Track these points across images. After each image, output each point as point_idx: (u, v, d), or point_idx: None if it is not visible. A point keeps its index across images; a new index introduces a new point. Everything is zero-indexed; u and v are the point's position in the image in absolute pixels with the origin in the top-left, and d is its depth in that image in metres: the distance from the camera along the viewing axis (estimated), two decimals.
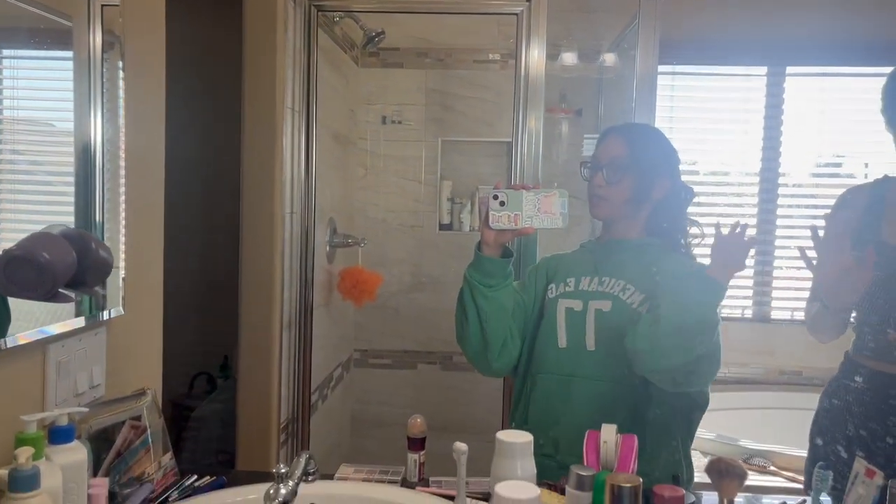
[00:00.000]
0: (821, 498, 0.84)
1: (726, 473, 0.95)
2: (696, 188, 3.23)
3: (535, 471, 0.86)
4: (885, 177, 1.51)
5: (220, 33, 2.27)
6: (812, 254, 1.39)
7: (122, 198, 1.28)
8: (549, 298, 1.54)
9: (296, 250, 2.21)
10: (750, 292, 3.23)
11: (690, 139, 3.23)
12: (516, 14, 2.17)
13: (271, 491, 0.88)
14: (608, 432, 1.17)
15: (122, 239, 1.28)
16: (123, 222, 1.27)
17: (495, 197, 1.37)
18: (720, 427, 2.52)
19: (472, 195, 3.12)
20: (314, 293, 2.29)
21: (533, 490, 0.65)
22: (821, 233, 1.39)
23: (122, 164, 1.28)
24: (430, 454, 1.40)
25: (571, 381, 1.47)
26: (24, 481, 0.82)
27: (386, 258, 3.13)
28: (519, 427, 1.47)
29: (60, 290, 0.88)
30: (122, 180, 1.28)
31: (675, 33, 3.05)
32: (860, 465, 0.82)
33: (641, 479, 0.81)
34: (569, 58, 3.00)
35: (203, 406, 2.45)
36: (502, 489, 0.66)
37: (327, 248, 2.59)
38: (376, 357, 3.18)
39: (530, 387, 1.51)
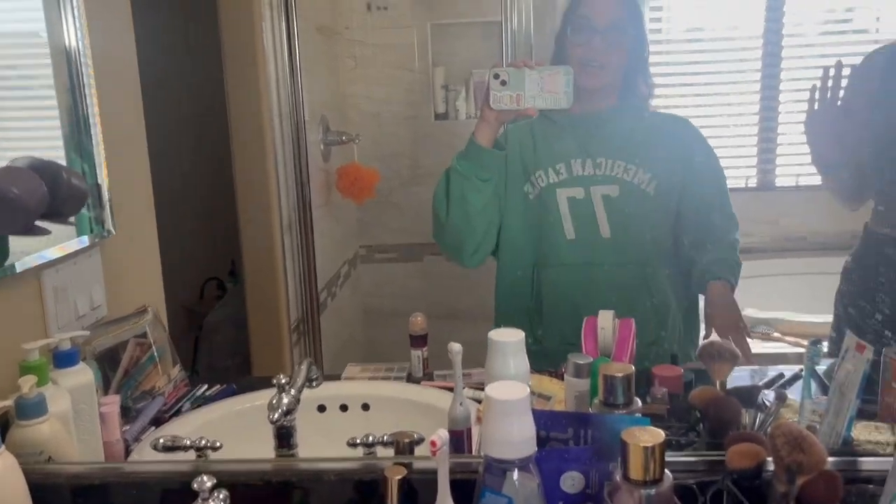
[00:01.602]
0: (813, 372, 0.86)
1: (718, 357, 0.96)
2: (697, 51, 3.15)
3: (528, 367, 0.87)
4: None
5: None
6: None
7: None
8: (542, 188, 1.45)
9: (288, 151, 2.17)
10: (754, 160, 3.18)
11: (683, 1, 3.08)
12: None
13: (273, 401, 0.90)
14: (605, 318, 1.18)
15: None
16: (100, 137, 1.23)
17: (496, 76, 1.29)
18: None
19: (466, 81, 3.02)
20: (312, 193, 2.27)
21: (522, 390, 0.66)
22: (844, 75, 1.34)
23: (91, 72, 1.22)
24: (443, 344, 1.43)
25: (590, 269, 1.45)
26: (31, 408, 0.85)
27: (382, 153, 3.08)
28: (532, 321, 1.47)
29: (36, 223, 0.87)
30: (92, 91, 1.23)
31: None
32: (851, 340, 0.82)
33: (633, 368, 0.82)
34: None
35: (214, 312, 2.50)
36: (492, 391, 0.66)
37: (322, 147, 2.55)
38: (382, 252, 3.20)
39: (539, 280, 1.48)
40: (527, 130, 1.47)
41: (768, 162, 3.17)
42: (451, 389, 0.98)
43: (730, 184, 1.58)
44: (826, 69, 1.32)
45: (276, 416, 0.88)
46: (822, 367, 1.07)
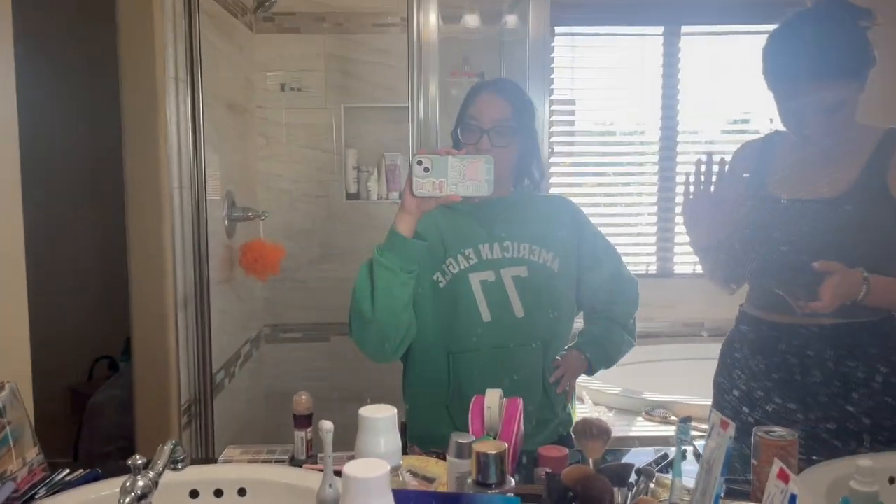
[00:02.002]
0: (682, 449, 0.87)
1: (590, 435, 0.96)
2: (604, 147, 3.31)
3: (400, 444, 0.85)
4: (775, 131, 1.55)
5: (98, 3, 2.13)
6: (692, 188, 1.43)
7: None
8: (453, 275, 1.47)
9: (188, 226, 2.12)
10: (653, 249, 3.32)
11: (592, 98, 3.26)
12: None
13: (127, 483, 0.84)
14: (492, 398, 1.17)
15: None
16: None
17: (419, 163, 1.29)
18: (626, 382, 2.61)
19: (378, 163, 3.06)
20: (211, 269, 2.21)
21: (382, 467, 0.64)
22: (715, 168, 1.42)
23: None
24: (346, 426, 1.38)
25: (504, 351, 1.47)
26: None
27: (292, 230, 3.07)
28: (456, 408, 1.45)
29: None
30: None
31: None
32: (716, 416, 0.84)
33: (506, 446, 0.80)
34: (471, 20, 2.97)
35: (99, 393, 2.36)
36: (350, 468, 0.64)
37: (226, 223, 2.51)
38: (287, 331, 3.13)
39: (455, 367, 1.47)
40: (431, 221, 1.46)
41: (667, 250, 3.32)
42: (337, 472, 0.94)
43: (631, 270, 1.65)
44: (699, 160, 1.41)
45: (128, 500, 0.82)
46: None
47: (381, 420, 0.83)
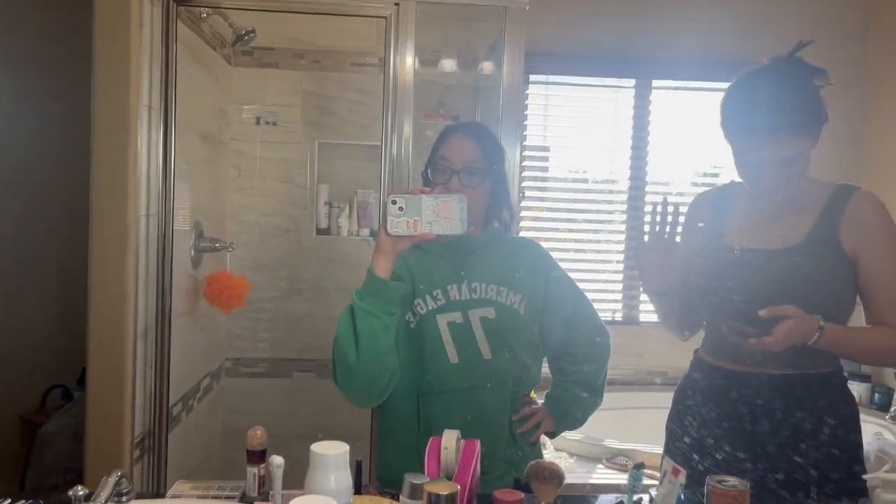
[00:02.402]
0: (633, 497, 0.86)
1: (543, 478, 0.96)
2: (574, 194, 3.35)
3: (351, 482, 0.84)
4: (731, 182, 1.58)
5: (73, 27, 2.13)
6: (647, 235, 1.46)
7: None
8: (422, 315, 1.48)
9: (153, 254, 2.10)
10: (619, 296, 3.35)
11: (565, 145, 3.31)
12: (385, 18, 2.16)
13: None
14: (449, 439, 1.16)
15: None
16: None
17: (394, 202, 1.31)
18: (588, 428, 2.59)
19: (350, 199, 3.07)
20: (175, 300, 2.18)
21: (329, 502, 0.63)
22: (669, 213, 1.45)
23: None
24: (306, 464, 1.35)
25: (473, 391, 1.47)
26: None
27: (260, 263, 3.05)
28: (420, 450, 1.40)
29: None
30: None
31: (546, 45, 3.14)
32: (668, 463, 0.84)
33: (458, 487, 0.80)
34: (447, 64, 3.02)
35: (51, 422, 2.29)
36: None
37: (192, 253, 2.48)
38: (250, 366, 3.08)
39: (424, 408, 1.47)
40: (401, 261, 1.46)
41: (633, 297, 3.35)
42: None
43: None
44: (654, 205, 1.44)
45: None
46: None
47: (333, 457, 0.82)
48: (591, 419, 2.06)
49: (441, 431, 1.25)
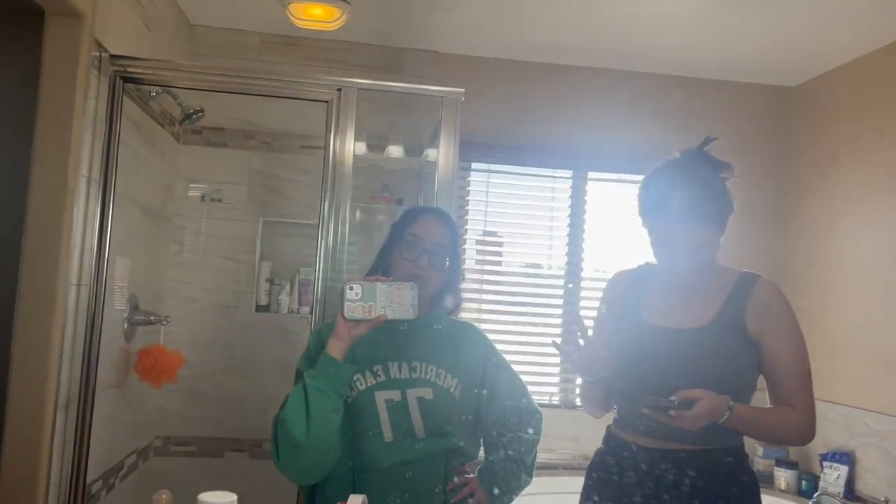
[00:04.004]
0: None
1: None
2: (512, 278, 3.42)
3: None
4: (647, 263, 1.67)
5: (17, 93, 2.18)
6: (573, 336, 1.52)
7: None
8: (360, 391, 1.50)
9: (81, 325, 2.08)
10: (556, 379, 3.40)
11: (506, 231, 3.42)
12: (327, 102, 2.26)
13: None
14: (354, 503, 1.17)
15: None
16: None
17: (350, 288, 1.40)
18: None
19: (292, 277, 3.10)
20: (103, 372, 2.16)
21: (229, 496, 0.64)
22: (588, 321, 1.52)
23: None
24: None
25: (406, 468, 1.48)
26: None
27: (197, 339, 3.02)
28: None
29: None
30: None
31: (486, 135, 3.30)
32: None
33: None
34: (394, 150, 3.14)
35: None
36: None
37: (125, 326, 2.47)
38: (180, 444, 3.01)
39: (360, 485, 1.47)
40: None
41: (569, 381, 3.39)
42: None
43: (535, 399, 1.70)
44: (573, 316, 1.51)
45: None
46: None
47: None
48: (525, 502, 2.06)
49: None
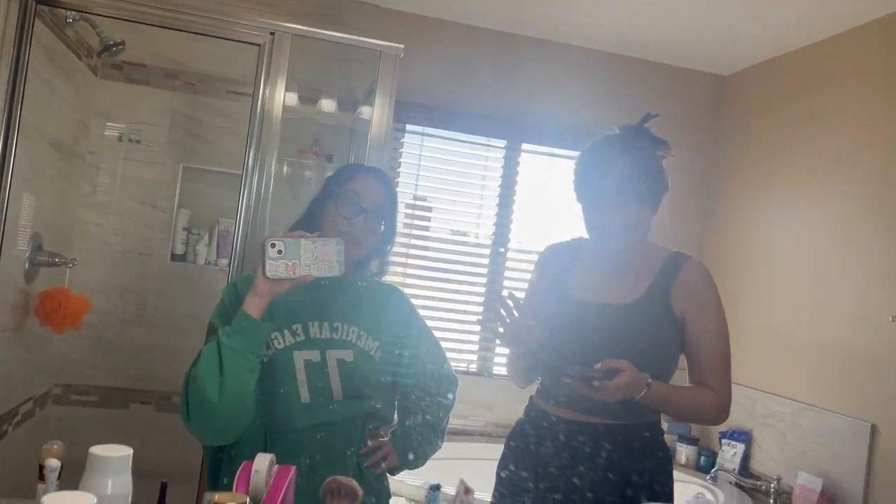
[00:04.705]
0: None
1: (337, 494, 0.95)
2: (439, 244, 3.41)
3: (131, 488, 0.80)
4: (580, 237, 1.67)
5: None
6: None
7: None
8: (277, 350, 1.44)
9: None
10: (475, 347, 3.42)
11: (434, 197, 3.39)
12: (259, 45, 2.16)
13: None
14: (261, 462, 1.13)
15: None
16: None
17: (273, 245, 1.31)
18: (432, 476, 2.59)
19: (211, 227, 2.99)
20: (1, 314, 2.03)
21: (87, 500, 0.59)
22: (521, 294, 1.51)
23: None
24: (136, 503, 1.26)
25: (322, 430, 1.44)
26: None
27: (106, 285, 2.88)
28: None
29: None
30: None
31: (423, 96, 3.24)
32: (461, 485, 0.86)
33: (247, 498, 0.78)
34: (327, 104, 3.04)
35: None
36: (49, 499, 0.59)
37: (26, 266, 2.32)
38: (82, 393, 2.88)
39: (272, 446, 1.41)
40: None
41: (488, 349, 3.42)
42: None
43: (453, 366, 1.69)
44: (502, 297, 1.49)
45: None
46: None
47: (113, 459, 0.78)
48: (437, 467, 2.07)
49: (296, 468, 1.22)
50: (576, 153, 1.62)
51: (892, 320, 2.39)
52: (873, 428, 2.46)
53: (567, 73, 3.41)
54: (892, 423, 2.41)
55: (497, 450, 3.19)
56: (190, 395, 1.32)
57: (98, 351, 2.87)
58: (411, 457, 1.57)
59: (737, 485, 2.90)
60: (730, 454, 2.99)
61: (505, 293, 1.51)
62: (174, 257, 2.95)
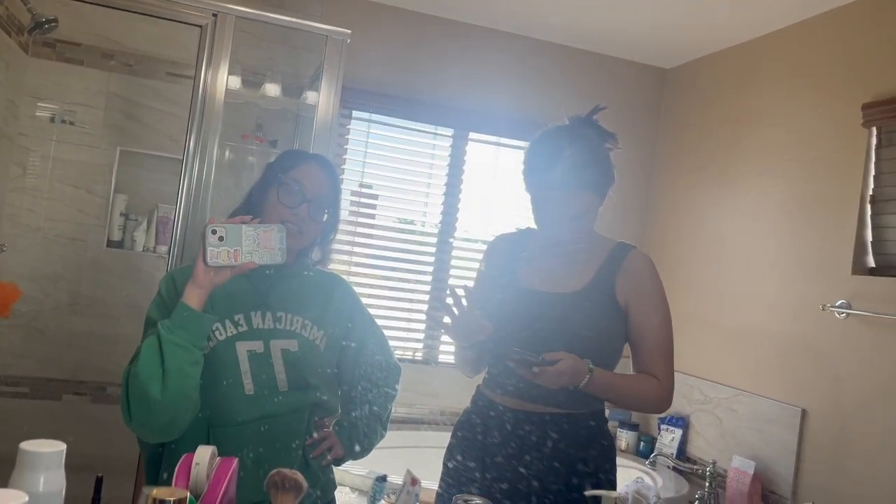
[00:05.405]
0: None
1: (281, 486, 0.94)
2: (385, 232, 3.39)
3: (65, 483, 0.77)
4: (528, 228, 1.67)
5: None
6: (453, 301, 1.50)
7: None
8: (219, 341, 1.40)
9: None
10: (421, 335, 3.42)
11: (380, 185, 3.37)
12: (201, 27, 2.10)
13: None
14: (202, 454, 1.10)
15: None
16: None
17: (213, 232, 1.27)
18: (377, 465, 2.58)
19: (149, 213, 2.90)
20: None
21: (18, 497, 0.57)
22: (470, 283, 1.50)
23: None
24: (76, 498, 1.21)
25: (264, 422, 1.40)
26: None
27: (38, 272, 2.77)
28: None
29: None
30: None
31: (370, 82, 3.21)
32: (408, 475, 0.86)
33: (188, 494, 0.75)
34: (271, 88, 2.98)
35: None
36: None
37: None
38: (11, 384, 2.76)
39: (215, 440, 1.37)
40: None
41: (434, 338, 3.42)
42: None
43: (398, 355, 1.68)
44: (450, 289, 1.49)
45: None
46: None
47: (45, 455, 0.75)
48: (381, 455, 2.07)
49: (241, 462, 1.19)
50: (522, 143, 1.63)
51: (823, 309, 2.49)
52: (804, 413, 2.56)
53: (514, 63, 3.42)
54: (822, 408, 2.51)
55: (443, 438, 3.20)
56: (131, 394, 1.27)
57: (29, 340, 2.76)
58: (357, 448, 1.56)
59: (675, 469, 2.98)
60: (668, 439, 3.07)
61: (456, 286, 1.50)
62: (110, 244, 2.85)
